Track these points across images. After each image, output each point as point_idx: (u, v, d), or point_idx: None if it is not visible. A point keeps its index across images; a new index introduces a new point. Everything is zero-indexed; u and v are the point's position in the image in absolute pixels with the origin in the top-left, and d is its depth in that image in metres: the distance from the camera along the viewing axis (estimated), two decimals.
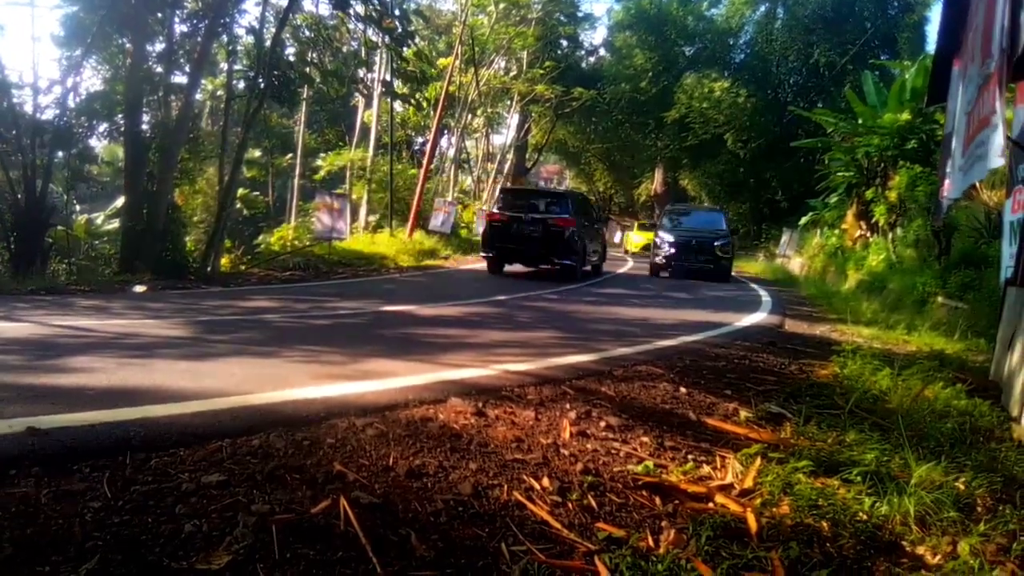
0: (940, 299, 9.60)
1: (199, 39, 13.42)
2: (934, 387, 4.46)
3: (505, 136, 38.36)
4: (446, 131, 30.08)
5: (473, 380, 4.17)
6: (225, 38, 14.91)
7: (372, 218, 24.05)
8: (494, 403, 3.66)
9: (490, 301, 9.39)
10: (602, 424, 3.40)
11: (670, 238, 16.62)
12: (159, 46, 13.84)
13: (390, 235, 20.10)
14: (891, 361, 5.18)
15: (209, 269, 12.40)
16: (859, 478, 2.75)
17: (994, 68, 3.58)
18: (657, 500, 2.53)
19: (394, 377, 4.10)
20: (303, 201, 26.84)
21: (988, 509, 2.62)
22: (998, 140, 3.40)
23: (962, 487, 2.75)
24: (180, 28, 14.14)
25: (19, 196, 12.07)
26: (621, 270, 18.39)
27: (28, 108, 12.63)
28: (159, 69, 13.50)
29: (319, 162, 29.31)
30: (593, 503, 2.43)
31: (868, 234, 16.31)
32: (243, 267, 14.66)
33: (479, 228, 27.40)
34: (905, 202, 14.03)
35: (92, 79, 15.21)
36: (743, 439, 3.31)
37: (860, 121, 16.58)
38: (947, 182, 6.51)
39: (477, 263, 18.21)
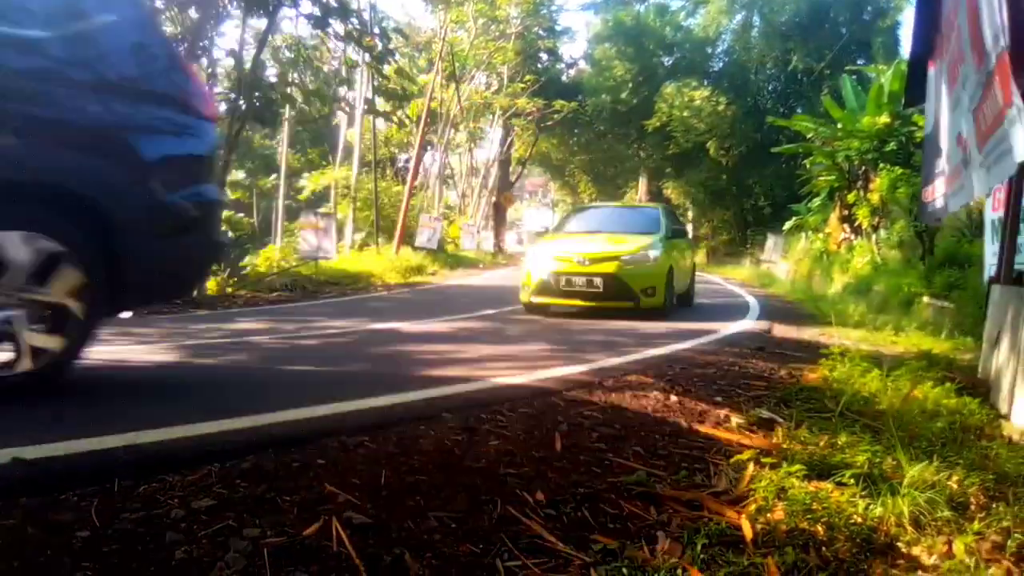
0: (926, 299, 9.68)
1: None
2: (923, 387, 4.48)
3: (488, 151, 38.52)
4: (429, 147, 30.13)
5: (464, 395, 4.16)
6: (205, 61, 14.91)
7: (358, 236, 24.05)
8: (485, 417, 3.65)
9: (479, 316, 9.39)
10: (594, 435, 3.39)
11: None
12: None
13: (377, 253, 20.08)
14: (880, 363, 5.20)
15: (196, 292, 12.31)
16: (852, 480, 2.75)
17: (995, 65, 3.62)
18: (651, 510, 2.52)
19: (384, 395, 4.08)
20: (288, 221, 26.83)
21: (981, 507, 2.62)
22: (1019, 134, 3.40)
23: (955, 486, 2.75)
24: None
25: None
26: None
27: None
28: None
29: (303, 182, 29.31)
30: (587, 515, 2.42)
31: (852, 237, 16.41)
32: (230, 289, 14.56)
33: (466, 244, 27.46)
34: (887, 204, 14.14)
35: None
36: (735, 445, 3.31)
37: (839, 126, 16.73)
38: (933, 184, 6.56)
39: (464, 278, 18.24)
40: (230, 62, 15.62)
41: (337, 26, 15.43)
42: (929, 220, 8.85)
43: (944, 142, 5.77)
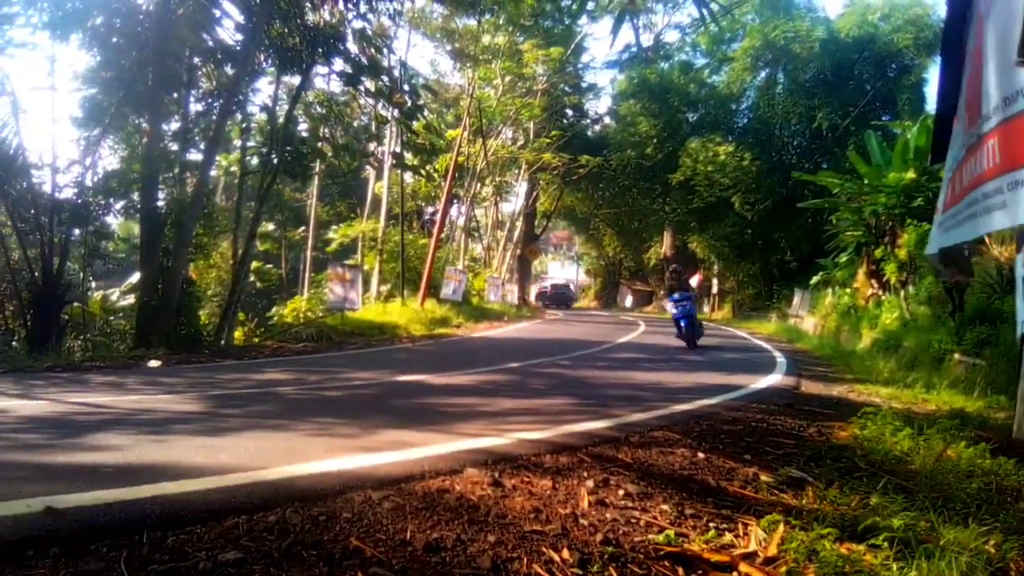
0: (957, 356, 9.51)
1: (214, 117, 13.78)
2: (957, 447, 4.39)
3: (514, 204, 38.90)
4: (456, 200, 30.50)
5: (489, 449, 4.14)
6: (239, 116, 15.32)
7: (384, 288, 24.23)
8: (511, 472, 3.63)
9: (503, 368, 9.37)
10: (620, 492, 3.36)
11: None
12: (175, 125, 14.25)
13: (402, 304, 20.18)
14: (911, 421, 5.11)
15: (223, 342, 12.46)
16: (885, 543, 2.69)
17: (995, 127, 3.62)
18: (680, 570, 2.48)
19: (409, 448, 4.08)
20: (315, 272, 27.11)
21: (1022, 573, 2.55)
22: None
23: (992, 550, 2.68)
24: (195, 107, 14.59)
25: (36, 274, 12.26)
26: (631, 336, 18.35)
27: (47, 188, 12.93)
28: (175, 147, 13.85)
29: (331, 234, 29.72)
30: (615, 575, 2.39)
31: (880, 292, 16.24)
32: (256, 339, 14.73)
33: (491, 296, 27.56)
34: (915, 260, 14.03)
35: (109, 158, 15.60)
36: (765, 505, 3.26)
37: (865, 181, 16.71)
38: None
39: (489, 331, 18.24)
40: (264, 117, 16.05)
41: (368, 83, 15.86)
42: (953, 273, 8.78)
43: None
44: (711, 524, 3.00)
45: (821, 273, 21.86)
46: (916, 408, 6.74)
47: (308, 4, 14.41)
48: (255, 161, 17.19)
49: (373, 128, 23.58)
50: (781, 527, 2.86)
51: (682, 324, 13.69)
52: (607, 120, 41.78)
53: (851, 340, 15.15)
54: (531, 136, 33.59)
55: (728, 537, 2.86)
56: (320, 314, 17.51)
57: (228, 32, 14.14)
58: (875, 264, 16.45)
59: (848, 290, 18.69)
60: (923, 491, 3.35)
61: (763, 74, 36.46)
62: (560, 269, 75.43)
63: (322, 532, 2.62)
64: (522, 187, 37.81)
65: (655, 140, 36.13)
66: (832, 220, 20.29)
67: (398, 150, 22.39)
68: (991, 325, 9.70)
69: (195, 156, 14.30)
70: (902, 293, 14.37)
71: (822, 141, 33.56)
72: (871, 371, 9.67)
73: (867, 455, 4.20)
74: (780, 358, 12.20)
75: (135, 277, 17.31)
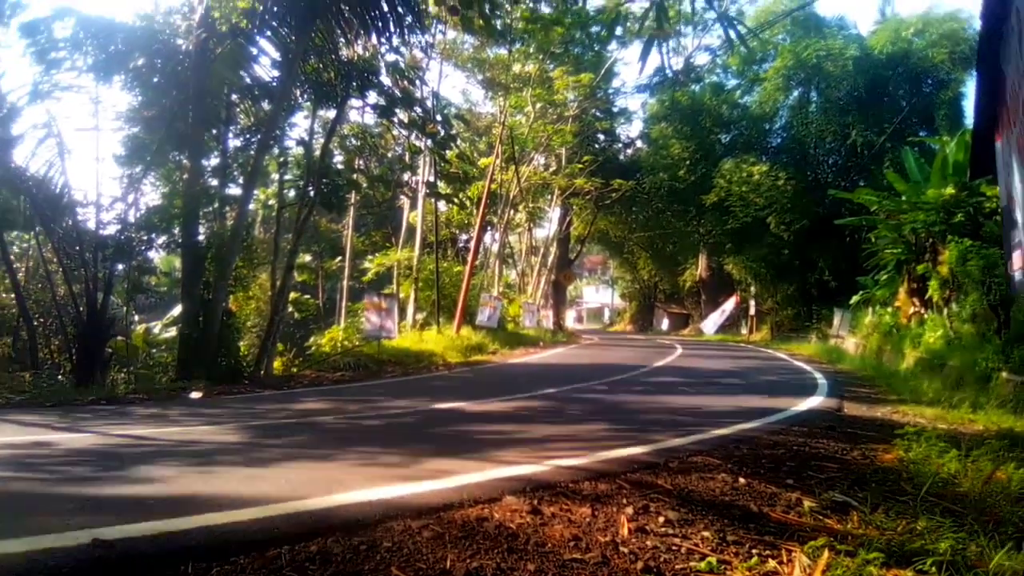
0: (1004, 375, 9.28)
1: (252, 152, 14.07)
2: (1006, 468, 4.28)
3: (547, 229, 38.94)
4: (489, 227, 30.63)
5: (527, 476, 4.14)
6: (276, 150, 15.63)
7: (420, 316, 24.35)
8: (549, 500, 3.62)
9: (539, 395, 9.36)
10: (660, 519, 3.33)
11: None
12: (214, 161, 14.55)
13: (438, 332, 20.27)
14: (958, 442, 5.00)
15: (263, 372, 12.61)
16: (934, 568, 2.63)
17: None
18: None
19: (448, 476, 4.09)
20: (352, 302, 27.34)
21: None
22: None
23: None
24: (234, 143, 14.92)
25: (81, 309, 12.56)
26: (668, 359, 18.20)
27: (91, 224, 13.28)
28: (214, 182, 14.14)
29: (367, 263, 29.99)
30: None
31: (922, 311, 15.93)
32: (295, 369, 14.87)
33: (526, 322, 27.55)
34: (958, 276, 13.76)
35: (151, 194, 15.96)
36: (808, 531, 3.20)
37: (903, 198, 16.49)
38: (1016, 254, 6.39)
39: (524, 356, 18.23)
40: (300, 151, 16.36)
41: (402, 115, 16.10)
42: (1019, 290, 8.58)
43: (1020, 214, 5.65)
44: (754, 551, 2.96)
45: (861, 292, 21.52)
46: (963, 429, 6.58)
47: (342, 39, 14.70)
48: (292, 194, 17.48)
49: (407, 158, 23.84)
50: (826, 553, 2.82)
51: None
52: (639, 143, 41.74)
53: (894, 360, 14.86)
54: (563, 162, 33.69)
55: (772, 564, 2.82)
56: (357, 343, 17.64)
57: (265, 69, 14.46)
58: (916, 282, 16.17)
59: (889, 309, 18.37)
60: (971, 514, 3.27)
61: (796, 93, 36.26)
62: (595, 294, 75.24)
63: (363, 561, 2.64)
64: (555, 213, 37.88)
65: (688, 162, 36.06)
66: (871, 238, 20.02)
67: (432, 179, 22.61)
68: None
69: (234, 191, 14.60)
70: (945, 311, 14.08)
71: (858, 159, 33.21)
72: (915, 391, 9.47)
73: (913, 478, 4.12)
74: (821, 379, 12.01)
75: (176, 310, 17.64)
